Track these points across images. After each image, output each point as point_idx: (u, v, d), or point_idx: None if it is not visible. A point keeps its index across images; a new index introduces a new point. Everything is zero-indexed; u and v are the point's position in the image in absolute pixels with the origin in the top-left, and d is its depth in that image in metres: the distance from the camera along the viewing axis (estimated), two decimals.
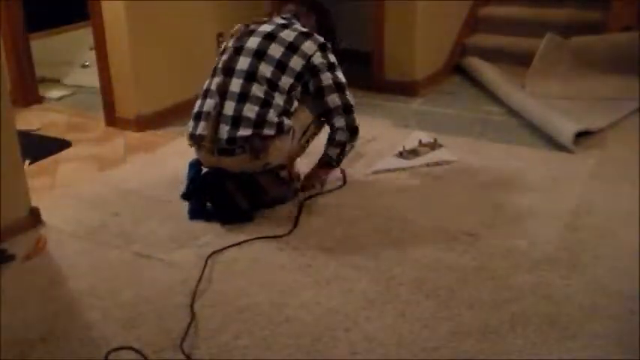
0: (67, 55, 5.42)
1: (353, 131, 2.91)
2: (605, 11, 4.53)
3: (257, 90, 2.72)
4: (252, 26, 2.91)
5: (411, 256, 2.51)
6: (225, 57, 2.86)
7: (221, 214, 2.79)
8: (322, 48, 2.84)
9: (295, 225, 2.74)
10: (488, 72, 4.46)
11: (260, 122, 2.70)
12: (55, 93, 4.62)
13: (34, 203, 2.83)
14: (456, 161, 3.31)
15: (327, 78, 2.83)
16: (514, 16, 4.98)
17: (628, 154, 3.33)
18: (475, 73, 4.56)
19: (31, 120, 4.13)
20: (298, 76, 2.79)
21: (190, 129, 2.83)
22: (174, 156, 3.54)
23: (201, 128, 2.78)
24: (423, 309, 2.20)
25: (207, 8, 4.21)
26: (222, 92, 2.76)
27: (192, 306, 2.23)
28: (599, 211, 2.80)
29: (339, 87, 2.85)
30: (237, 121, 2.71)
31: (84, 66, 5.12)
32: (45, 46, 5.42)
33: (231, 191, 2.76)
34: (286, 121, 2.76)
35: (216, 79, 2.82)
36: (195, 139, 2.81)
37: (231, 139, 2.70)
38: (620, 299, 2.21)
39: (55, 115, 4.26)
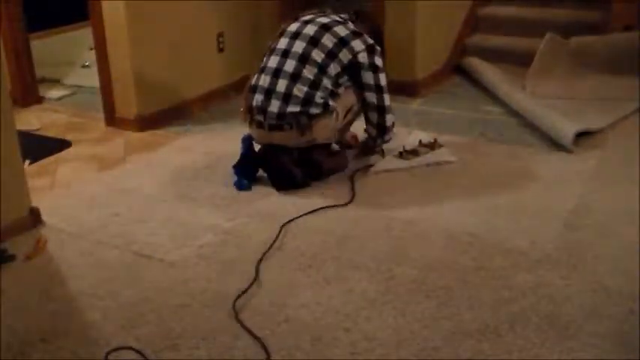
0: (67, 55, 5.42)
1: (382, 130, 3.22)
2: (605, 11, 4.53)
3: (308, 72, 3.00)
4: (311, 16, 3.17)
5: (411, 256, 2.51)
6: (283, 39, 3.12)
7: (277, 183, 3.06)
8: (370, 49, 3.09)
9: (353, 196, 2.97)
10: (489, 72, 4.46)
11: (307, 101, 2.97)
12: (55, 93, 4.62)
13: (34, 203, 2.83)
14: (456, 161, 3.31)
15: (369, 77, 3.09)
16: (514, 16, 4.98)
17: (628, 154, 3.33)
18: (475, 73, 4.56)
19: (31, 120, 4.13)
20: (344, 68, 3.05)
21: (247, 101, 3.10)
22: (174, 156, 3.54)
23: (256, 100, 3.06)
24: (423, 309, 2.20)
25: (207, 8, 4.22)
26: (277, 70, 3.03)
27: (258, 266, 2.44)
28: (599, 211, 2.80)
29: (378, 88, 3.12)
30: (287, 98, 2.98)
31: (84, 66, 5.12)
32: (45, 46, 5.42)
33: (285, 163, 3.04)
34: (331, 103, 3.02)
35: (273, 58, 3.08)
36: (250, 111, 3.09)
37: (281, 115, 2.98)
38: (620, 299, 2.21)
39: (55, 115, 4.26)
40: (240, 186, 3.08)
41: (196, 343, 2.07)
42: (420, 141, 3.41)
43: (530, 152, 3.43)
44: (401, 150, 3.35)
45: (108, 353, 2.02)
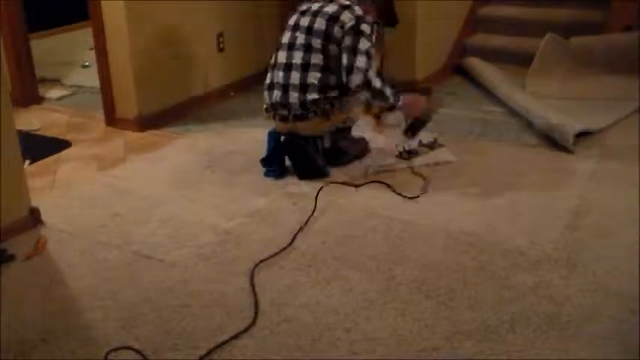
0: (67, 55, 5.42)
1: (346, 91, 3.13)
2: (605, 11, 4.53)
3: (315, 59, 3.10)
4: (306, 6, 3.26)
5: (411, 256, 2.51)
6: (287, 34, 3.23)
7: (301, 172, 3.18)
8: (359, 19, 3.12)
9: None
10: (489, 72, 4.46)
11: (323, 86, 3.08)
12: (55, 93, 4.62)
13: (34, 203, 2.83)
14: (456, 161, 3.31)
15: (348, 40, 3.08)
16: (514, 16, 4.98)
17: (628, 154, 3.33)
18: (475, 74, 4.56)
19: (31, 120, 4.13)
20: (339, 43, 3.10)
21: (267, 99, 3.22)
22: (174, 156, 3.54)
23: (276, 96, 3.16)
24: (423, 309, 2.20)
25: (207, 8, 4.22)
26: (288, 65, 3.15)
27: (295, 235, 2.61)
28: (599, 211, 2.79)
29: (353, 50, 3.07)
30: (304, 87, 3.10)
31: (84, 66, 5.13)
32: (45, 46, 5.43)
33: (310, 151, 3.16)
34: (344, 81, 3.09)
35: (282, 53, 3.20)
36: (273, 108, 3.19)
37: (303, 104, 3.10)
38: (620, 299, 2.21)
39: (55, 115, 4.26)
40: (268, 173, 3.20)
41: (196, 343, 2.07)
42: (420, 141, 3.41)
43: (531, 152, 3.43)
44: (401, 150, 3.35)
45: (108, 353, 2.02)
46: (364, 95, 3.20)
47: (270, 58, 3.27)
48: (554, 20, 4.72)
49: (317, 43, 3.10)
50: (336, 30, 3.10)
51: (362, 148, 3.39)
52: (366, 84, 3.09)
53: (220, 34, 4.36)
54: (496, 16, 5.03)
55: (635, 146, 3.40)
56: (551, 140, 3.51)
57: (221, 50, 4.39)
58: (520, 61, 4.50)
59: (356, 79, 3.08)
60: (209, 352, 2.01)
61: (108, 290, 2.36)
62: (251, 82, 4.62)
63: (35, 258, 2.58)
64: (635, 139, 3.49)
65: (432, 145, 3.39)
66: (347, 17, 3.12)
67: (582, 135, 3.47)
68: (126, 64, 3.84)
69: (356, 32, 3.10)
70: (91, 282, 2.41)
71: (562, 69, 4.30)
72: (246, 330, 2.10)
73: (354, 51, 3.08)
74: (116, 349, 2.04)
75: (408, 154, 3.32)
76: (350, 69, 3.09)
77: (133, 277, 2.43)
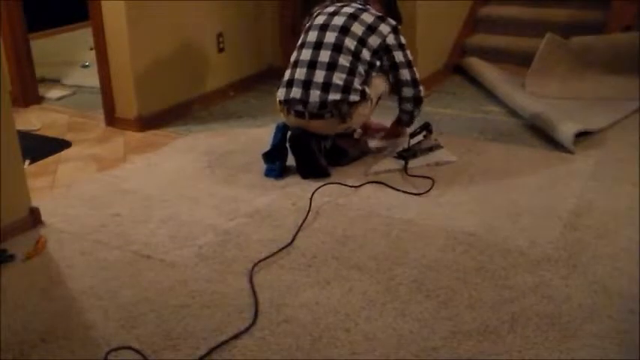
0: (67, 55, 5.43)
1: (418, 101, 3.36)
2: (605, 11, 4.53)
3: (344, 60, 3.13)
4: (334, 8, 3.30)
5: (411, 256, 2.51)
6: (312, 33, 3.24)
7: (303, 170, 3.18)
8: (394, 30, 3.25)
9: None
10: (488, 72, 4.46)
11: (347, 88, 3.10)
12: (55, 93, 4.62)
13: (34, 203, 2.83)
14: (456, 161, 3.31)
15: (400, 56, 3.25)
16: (514, 16, 4.98)
17: (628, 154, 3.33)
18: (475, 73, 4.57)
19: (31, 120, 4.13)
20: (374, 52, 3.20)
21: (283, 95, 3.20)
22: (174, 156, 3.54)
23: (294, 93, 3.15)
24: (423, 309, 2.20)
25: (207, 8, 4.22)
26: (312, 62, 3.15)
27: (296, 234, 2.65)
28: (599, 211, 2.80)
29: (408, 64, 3.28)
30: (327, 87, 3.10)
31: (84, 66, 5.13)
32: (45, 46, 5.44)
33: (313, 150, 3.15)
34: (367, 89, 3.17)
35: (306, 51, 3.20)
36: (287, 104, 3.18)
37: (323, 103, 3.09)
38: (620, 299, 2.21)
39: (55, 115, 4.26)
40: (269, 173, 3.20)
41: (196, 343, 2.07)
42: (420, 141, 3.40)
43: (530, 152, 3.43)
44: (400, 150, 3.35)
45: (108, 353, 2.02)
46: (409, 106, 3.35)
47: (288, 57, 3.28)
48: (554, 20, 4.72)
49: (351, 43, 3.13)
50: (373, 39, 3.17)
51: (362, 149, 3.40)
52: (418, 94, 3.31)
53: (220, 34, 4.36)
54: (496, 16, 5.04)
55: (635, 146, 3.40)
56: (551, 140, 3.51)
57: (221, 50, 4.39)
58: (520, 61, 4.50)
59: (421, 90, 3.33)
60: (209, 352, 2.02)
61: (108, 290, 2.36)
62: (251, 82, 4.63)
63: (35, 258, 2.58)
64: (634, 139, 3.50)
65: (432, 145, 3.39)
66: (385, 29, 3.20)
67: (582, 135, 3.47)
68: (126, 64, 3.84)
69: (401, 47, 3.24)
70: (91, 282, 2.41)
71: (562, 69, 4.30)
72: (246, 330, 2.11)
73: (409, 65, 3.26)
74: (116, 349, 2.04)
75: (409, 155, 3.32)
76: (416, 81, 3.29)
77: (133, 277, 2.43)
